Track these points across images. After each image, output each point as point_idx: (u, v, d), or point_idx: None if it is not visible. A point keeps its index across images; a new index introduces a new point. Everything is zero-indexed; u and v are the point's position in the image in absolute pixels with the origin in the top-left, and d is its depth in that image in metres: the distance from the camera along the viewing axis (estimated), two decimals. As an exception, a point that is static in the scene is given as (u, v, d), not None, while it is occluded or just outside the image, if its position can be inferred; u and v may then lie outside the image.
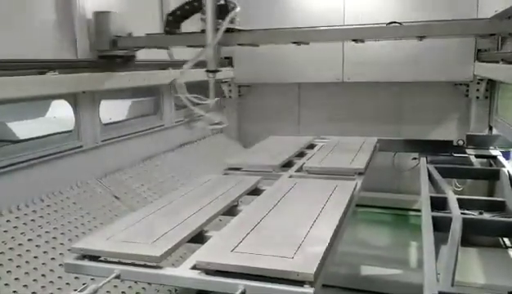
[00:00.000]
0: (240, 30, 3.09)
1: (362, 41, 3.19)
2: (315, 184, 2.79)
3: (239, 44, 3.37)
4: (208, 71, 3.13)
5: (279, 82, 5.59)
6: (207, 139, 5.40)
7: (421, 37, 3.01)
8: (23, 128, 3.67)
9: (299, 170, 3.25)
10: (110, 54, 3.54)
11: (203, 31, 3.01)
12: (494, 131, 4.79)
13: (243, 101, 5.95)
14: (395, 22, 2.96)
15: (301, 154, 3.76)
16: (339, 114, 5.47)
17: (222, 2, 2.96)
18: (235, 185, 2.77)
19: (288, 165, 3.40)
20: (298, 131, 5.61)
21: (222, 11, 2.95)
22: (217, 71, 3.13)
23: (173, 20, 3.33)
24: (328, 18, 4.76)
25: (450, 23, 2.99)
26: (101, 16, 3.47)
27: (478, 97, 4.91)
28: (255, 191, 2.83)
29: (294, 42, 3.22)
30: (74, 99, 3.42)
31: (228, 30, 2.97)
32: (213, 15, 2.94)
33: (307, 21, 4.02)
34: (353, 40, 3.18)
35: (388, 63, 5.06)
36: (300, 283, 1.57)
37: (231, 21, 2.96)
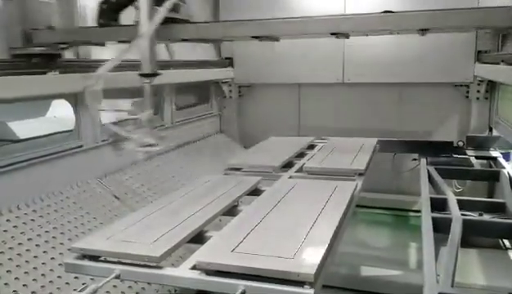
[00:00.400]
0: (185, 21, 2.48)
1: (347, 36, 2.66)
2: (315, 184, 2.79)
3: (184, 39, 2.75)
4: (141, 75, 2.46)
5: (279, 82, 5.59)
6: (207, 139, 5.41)
7: (424, 31, 2.44)
8: (23, 128, 3.67)
9: (299, 170, 3.25)
10: (25, 52, 2.84)
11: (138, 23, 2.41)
12: (494, 133, 4.79)
13: (243, 101, 5.95)
14: (388, 11, 2.38)
15: (301, 155, 3.76)
16: (340, 115, 5.47)
17: None
18: (235, 186, 2.77)
19: (288, 165, 3.40)
20: (298, 131, 5.61)
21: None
22: (155, 75, 2.46)
23: (108, 10, 2.73)
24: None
25: (457, 12, 2.30)
26: (11, 4, 2.74)
27: (478, 98, 4.91)
28: (255, 191, 2.83)
29: (256, 37, 2.57)
30: (74, 98, 3.42)
31: (169, 21, 2.40)
32: (149, 1, 2.34)
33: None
34: (333, 34, 2.53)
35: (388, 64, 5.06)
36: (300, 284, 1.57)
37: (175, 10, 2.40)
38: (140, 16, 2.34)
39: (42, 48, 2.88)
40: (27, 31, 2.81)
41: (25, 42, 2.81)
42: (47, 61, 2.96)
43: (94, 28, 2.81)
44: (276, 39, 2.71)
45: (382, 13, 2.36)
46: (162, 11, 2.31)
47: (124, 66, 3.70)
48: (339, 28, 2.47)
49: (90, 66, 3.38)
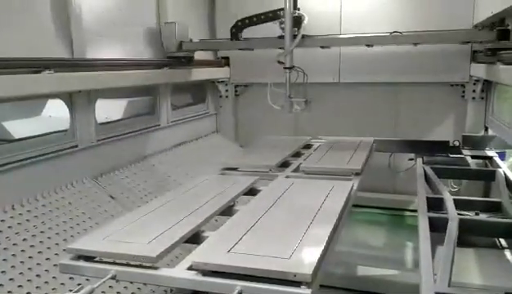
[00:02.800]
0: (309, 36, 3.99)
1: (369, 46, 4.35)
2: (311, 184, 2.78)
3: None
4: (285, 68, 3.89)
5: (276, 81, 5.58)
6: (203, 139, 5.40)
7: (416, 44, 4.28)
8: (18, 127, 3.64)
9: (296, 170, 3.24)
10: (176, 55, 4.50)
11: (280, 37, 3.90)
12: (490, 132, 4.80)
13: (239, 101, 5.94)
14: (397, 32, 4.03)
15: (298, 154, 3.76)
16: (336, 115, 5.47)
17: (296, 14, 3.78)
18: (231, 185, 2.77)
19: (284, 165, 3.40)
20: (294, 131, 5.60)
21: (296, 21, 3.81)
22: (293, 67, 3.90)
23: (239, 27, 4.28)
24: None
25: (439, 33, 4.09)
26: (168, 25, 4.44)
27: (474, 98, 4.92)
28: (252, 191, 2.82)
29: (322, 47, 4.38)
30: (69, 98, 3.40)
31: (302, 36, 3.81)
32: (291, 24, 3.78)
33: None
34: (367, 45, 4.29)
35: (384, 64, 5.06)
36: (297, 284, 1.56)
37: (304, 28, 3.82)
38: (285, 33, 3.82)
39: (186, 52, 4.59)
40: (178, 42, 4.46)
41: (178, 49, 4.47)
42: (188, 61, 4.66)
43: (216, 40, 4.79)
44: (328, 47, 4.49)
45: (392, 33, 4.07)
46: (301, 32, 3.79)
47: (124, 65, 3.75)
48: (365, 42, 4.27)
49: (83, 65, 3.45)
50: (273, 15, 3.93)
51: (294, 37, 3.79)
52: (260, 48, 4.55)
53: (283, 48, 3.86)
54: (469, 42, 4.66)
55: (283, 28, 3.82)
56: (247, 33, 4.35)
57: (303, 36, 3.84)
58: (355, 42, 4.36)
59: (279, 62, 3.86)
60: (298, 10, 3.83)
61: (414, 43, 4.29)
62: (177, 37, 4.42)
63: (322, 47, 4.40)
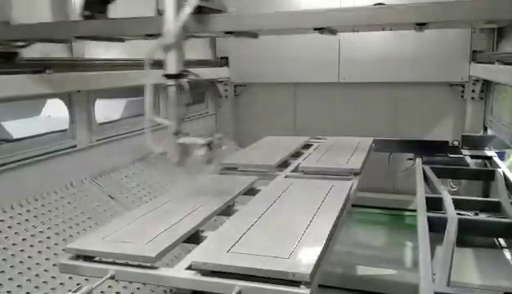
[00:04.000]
0: (216, 10, 2.16)
1: (333, 33, 2.39)
2: (311, 184, 2.78)
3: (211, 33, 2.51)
4: (167, 76, 2.16)
5: (275, 81, 5.59)
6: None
7: (420, 26, 2.15)
8: (17, 127, 3.64)
9: (295, 170, 3.24)
10: None
11: (159, 13, 2.10)
12: (489, 132, 4.81)
13: (239, 101, 5.94)
14: (380, 3, 2.14)
15: (297, 154, 3.75)
16: (335, 115, 5.47)
17: None
18: (230, 185, 2.77)
19: (284, 165, 3.40)
20: (294, 131, 5.60)
21: None
22: (184, 74, 2.17)
23: (95, 2, 2.39)
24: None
25: (455, 4, 2.00)
26: None
27: (473, 98, 4.92)
28: (251, 191, 2.82)
29: (230, 33, 2.38)
30: (68, 98, 3.40)
31: (199, 11, 2.07)
32: None
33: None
34: (317, 29, 2.22)
35: (383, 63, 5.07)
36: (296, 284, 1.56)
37: None
38: (164, 6, 2.01)
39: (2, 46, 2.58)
40: None
41: None
42: (3, 61, 2.65)
43: (69, 22, 2.48)
44: (255, 36, 2.53)
45: (373, 6, 2.09)
46: (191, 1, 2.00)
47: (123, 65, 3.74)
48: (325, 23, 2.17)
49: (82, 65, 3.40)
50: None
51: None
52: (119, 34, 2.63)
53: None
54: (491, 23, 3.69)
55: None
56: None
57: (201, 8, 2.07)
58: (284, 23, 2.26)
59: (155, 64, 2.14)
60: None
61: (416, 25, 2.15)
62: None
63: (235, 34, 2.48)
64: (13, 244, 2.55)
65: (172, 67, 2.12)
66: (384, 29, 2.74)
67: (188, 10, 1.97)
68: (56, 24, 2.63)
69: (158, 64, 2.18)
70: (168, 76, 2.14)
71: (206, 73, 5.30)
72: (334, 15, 2.15)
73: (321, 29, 2.20)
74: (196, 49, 5.32)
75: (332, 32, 2.33)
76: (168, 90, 2.19)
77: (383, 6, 2.08)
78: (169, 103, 2.25)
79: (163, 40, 2.06)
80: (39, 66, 2.91)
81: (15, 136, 3.31)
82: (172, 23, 2.01)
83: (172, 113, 2.27)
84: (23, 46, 2.69)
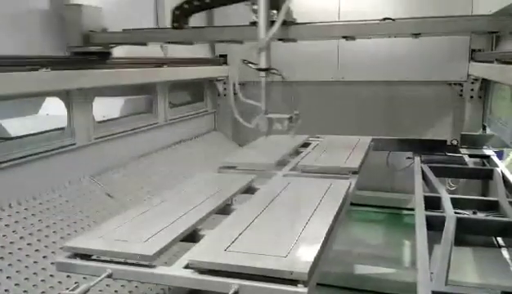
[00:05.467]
0: (294, 23, 2.84)
1: (353, 38, 3.02)
2: (309, 182, 2.78)
3: (288, 39, 3.08)
4: (260, 69, 2.86)
5: (273, 80, 5.57)
6: (201, 137, 5.39)
7: (416, 35, 2.87)
8: (15, 125, 3.63)
9: (294, 169, 3.24)
10: (83, 50, 3.33)
11: (253, 23, 2.76)
12: (487, 131, 4.81)
13: (238, 98, 5.93)
14: (388, 18, 2.81)
15: (295, 153, 3.76)
16: (334, 113, 5.47)
17: None
18: (229, 184, 2.76)
19: (282, 164, 3.39)
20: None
21: (273, 2, 2.65)
22: (271, 69, 2.91)
23: (181, 15, 3.12)
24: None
25: (447, 20, 2.81)
26: (72, 9, 3.19)
27: (472, 97, 4.92)
28: (249, 190, 2.82)
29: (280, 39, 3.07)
30: (66, 96, 3.39)
31: (283, 22, 2.66)
32: (267, 5, 2.63)
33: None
34: (344, 37, 2.97)
35: (382, 62, 5.07)
36: (294, 283, 1.56)
37: (287, 12, 2.65)
38: (258, 18, 2.67)
39: (98, 47, 3.40)
40: (85, 33, 3.27)
41: (84, 43, 3.30)
42: (102, 58, 3.50)
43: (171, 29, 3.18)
44: (294, 40, 3.19)
45: (382, 20, 2.83)
46: (281, 15, 2.60)
47: (121, 63, 3.74)
48: (350, 33, 2.95)
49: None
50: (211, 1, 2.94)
51: (272, 23, 2.65)
52: (217, 41, 3.60)
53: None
54: (492, 32, 3.75)
55: (256, 11, 2.69)
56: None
57: (285, 22, 2.71)
58: (354, 31, 2.96)
59: (245, 62, 2.91)
60: None
61: (414, 34, 2.91)
62: (83, 25, 3.25)
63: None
64: (11, 242, 2.55)
65: (263, 63, 2.86)
66: (389, 37, 3.45)
67: (279, 24, 2.60)
68: (152, 31, 3.64)
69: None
70: (261, 69, 2.90)
71: (205, 71, 5.30)
72: (357, 27, 2.94)
73: (346, 37, 3.01)
74: (195, 47, 5.30)
75: (352, 38, 3.05)
76: (261, 80, 2.98)
77: (390, 22, 2.82)
78: (261, 89, 3.04)
79: (258, 44, 2.72)
80: (37, 64, 2.90)
81: (13, 134, 3.30)
82: (264, 32, 2.67)
83: (263, 96, 3.06)
84: (112, 47, 3.55)
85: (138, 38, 3.37)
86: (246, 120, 3.11)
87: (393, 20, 2.82)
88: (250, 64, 2.90)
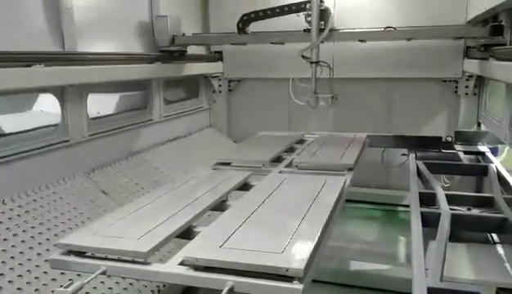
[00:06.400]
0: (336, 30, 3.95)
1: (365, 41, 4.41)
2: (304, 179, 2.78)
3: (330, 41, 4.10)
4: (312, 62, 3.89)
5: (269, 77, 5.56)
6: (196, 134, 5.38)
7: (409, 39, 4.28)
8: (8, 122, 3.60)
9: (289, 165, 3.24)
10: (168, 49, 4.44)
11: (306, 30, 3.88)
12: (482, 128, 4.82)
13: (233, 96, 5.92)
14: (390, 27, 4.12)
15: (291, 150, 3.75)
16: (329, 110, 5.46)
17: (323, 7, 3.77)
18: (224, 181, 2.76)
19: (278, 160, 3.39)
20: (288, 126, 5.59)
21: (322, 14, 3.79)
22: (319, 62, 3.90)
23: (246, 21, 4.21)
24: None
25: (432, 28, 4.38)
26: (160, 19, 4.41)
27: (466, 94, 4.94)
28: (244, 186, 2.82)
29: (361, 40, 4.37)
30: (60, 92, 3.37)
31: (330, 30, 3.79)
32: (318, 17, 3.76)
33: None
34: (360, 40, 4.37)
35: (377, 59, 5.07)
36: (289, 279, 1.55)
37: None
38: (312, 27, 3.81)
39: (179, 47, 4.52)
40: (170, 36, 4.42)
41: (170, 43, 4.43)
42: (181, 55, 4.60)
43: (237, 34, 4.39)
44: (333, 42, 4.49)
45: (385, 29, 4.15)
46: (329, 25, 3.78)
47: (116, 60, 3.71)
48: (360, 37, 4.32)
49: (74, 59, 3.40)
50: (296, 8, 3.92)
51: (321, 30, 3.76)
52: (278, 42, 4.52)
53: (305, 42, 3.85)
54: (462, 38, 4.69)
55: (309, 22, 3.79)
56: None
57: (331, 29, 3.81)
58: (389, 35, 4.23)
59: (303, 57, 3.86)
60: (323, 2, 3.82)
61: (407, 39, 4.29)
62: (169, 31, 4.38)
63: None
64: (4, 239, 2.53)
65: (315, 57, 3.88)
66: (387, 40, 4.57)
67: (328, 30, 3.77)
68: (210, 36, 5.34)
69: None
70: (313, 62, 3.88)
71: (200, 67, 5.27)
72: (366, 34, 4.30)
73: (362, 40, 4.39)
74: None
75: (362, 41, 4.41)
76: (312, 68, 3.91)
77: (391, 30, 4.16)
78: (312, 76, 3.95)
79: (312, 45, 3.83)
80: (30, 60, 2.88)
81: (6, 131, 3.27)
82: (315, 36, 3.83)
83: (313, 81, 3.96)
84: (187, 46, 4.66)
85: (209, 40, 5.13)
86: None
87: (395, 28, 4.14)
88: (307, 59, 3.87)
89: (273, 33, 4.39)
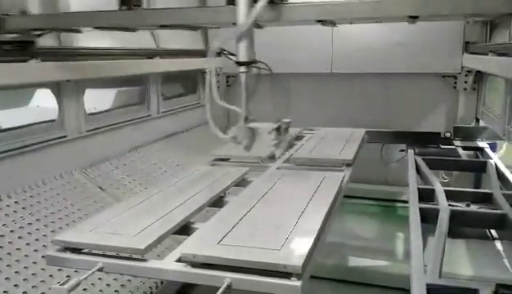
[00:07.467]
0: (282, 3, 2.21)
1: (334, 24, 2.55)
2: (303, 175, 2.76)
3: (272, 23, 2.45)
4: (239, 63, 2.27)
5: (267, 72, 5.54)
6: (194, 130, 5.35)
7: (413, 19, 2.28)
8: (4, 117, 3.58)
9: (287, 161, 3.22)
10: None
11: (230, 2, 2.20)
12: (481, 123, 4.81)
13: (231, 91, 5.90)
14: None
15: (289, 146, 3.73)
16: (328, 105, 5.45)
17: None
18: (222, 177, 2.74)
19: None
20: (286, 122, 5.57)
21: None
22: (254, 63, 2.36)
23: None
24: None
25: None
26: None
27: (465, 89, 4.92)
28: (242, 182, 2.80)
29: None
30: (57, 88, 3.35)
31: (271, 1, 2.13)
32: None
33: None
34: (320, 21, 2.40)
35: (376, 54, 5.05)
36: (287, 276, 1.54)
37: None
38: None
39: (15, 35, 2.73)
40: None
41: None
42: (21, 49, 2.84)
43: (77, 13, 2.76)
44: (260, 27, 2.60)
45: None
46: None
47: (114, 54, 3.69)
48: (326, 16, 2.33)
49: (71, 54, 3.35)
50: None
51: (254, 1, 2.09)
52: (177, 25, 2.76)
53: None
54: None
55: None
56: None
57: (272, 1, 2.15)
58: (287, 15, 2.30)
59: (223, 52, 2.46)
60: None
61: (409, 17, 2.32)
62: None
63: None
64: (1, 236, 2.52)
65: (244, 55, 2.25)
66: (380, 21, 2.88)
67: (263, 2, 2.04)
68: (85, 14, 2.71)
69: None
70: (240, 63, 2.26)
71: (198, 63, 5.24)
72: (334, 8, 2.25)
73: (322, 21, 2.38)
74: (188, 38, 5.26)
75: (332, 23, 2.49)
76: (240, 77, 2.34)
77: (381, 1, 2.15)
78: (241, 89, 2.43)
79: (237, 29, 2.13)
80: (19, 55, 2.83)
81: (2, 126, 3.25)
82: (245, 13, 2.08)
83: (243, 99, 2.46)
84: (39, 35, 2.84)
85: (66, 23, 2.71)
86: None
87: None
88: (230, 56, 2.33)
89: (172, 10, 2.57)
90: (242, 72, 2.32)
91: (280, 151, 2.61)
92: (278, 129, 2.50)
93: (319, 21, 2.36)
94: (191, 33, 5.28)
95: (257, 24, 2.28)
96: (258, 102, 2.65)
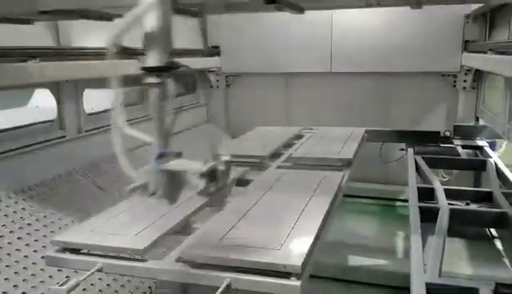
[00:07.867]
0: None
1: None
2: (302, 174, 2.76)
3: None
4: (145, 69, 1.54)
5: (267, 71, 5.54)
6: (194, 129, 5.35)
7: (418, 2, 2.09)
8: (3, 117, 3.58)
9: (287, 160, 3.21)
10: None
11: None
12: (480, 122, 4.81)
13: (230, 91, 5.90)
14: None
15: (289, 145, 3.73)
16: (327, 105, 5.45)
17: None
18: (221, 176, 2.73)
19: (276, 155, 3.37)
20: (286, 121, 5.57)
21: None
22: (174, 68, 1.60)
23: None
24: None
25: None
26: None
27: (465, 88, 4.92)
28: (242, 182, 2.79)
29: None
30: (56, 88, 3.34)
31: None
32: None
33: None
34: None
35: (375, 53, 5.05)
36: (287, 275, 1.54)
37: None
38: None
39: None
40: None
41: None
42: None
43: None
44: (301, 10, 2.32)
45: None
46: None
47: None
48: None
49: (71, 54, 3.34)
50: None
51: None
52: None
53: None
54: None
55: None
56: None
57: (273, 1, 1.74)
58: None
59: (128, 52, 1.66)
60: None
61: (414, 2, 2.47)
62: None
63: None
64: (0, 236, 2.51)
65: (153, 57, 1.44)
66: (379, 4, 2.51)
67: None
68: None
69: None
70: (148, 69, 1.47)
71: (197, 62, 5.24)
72: None
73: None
74: (187, 37, 5.25)
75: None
76: (150, 91, 1.55)
77: None
78: (151, 109, 1.54)
79: (135, 12, 1.37)
80: (25, 55, 2.84)
81: (1, 127, 3.25)
82: None
83: (154, 124, 1.59)
84: None
85: None
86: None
87: None
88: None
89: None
90: (150, 83, 1.53)
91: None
92: (211, 173, 1.64)
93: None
94: (190, 33, 5.28)
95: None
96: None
